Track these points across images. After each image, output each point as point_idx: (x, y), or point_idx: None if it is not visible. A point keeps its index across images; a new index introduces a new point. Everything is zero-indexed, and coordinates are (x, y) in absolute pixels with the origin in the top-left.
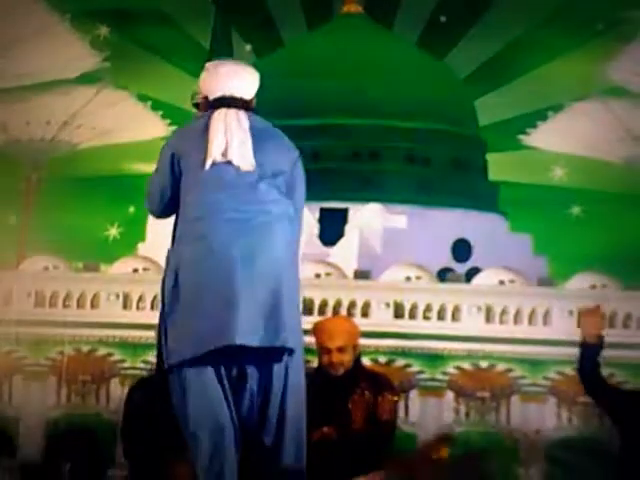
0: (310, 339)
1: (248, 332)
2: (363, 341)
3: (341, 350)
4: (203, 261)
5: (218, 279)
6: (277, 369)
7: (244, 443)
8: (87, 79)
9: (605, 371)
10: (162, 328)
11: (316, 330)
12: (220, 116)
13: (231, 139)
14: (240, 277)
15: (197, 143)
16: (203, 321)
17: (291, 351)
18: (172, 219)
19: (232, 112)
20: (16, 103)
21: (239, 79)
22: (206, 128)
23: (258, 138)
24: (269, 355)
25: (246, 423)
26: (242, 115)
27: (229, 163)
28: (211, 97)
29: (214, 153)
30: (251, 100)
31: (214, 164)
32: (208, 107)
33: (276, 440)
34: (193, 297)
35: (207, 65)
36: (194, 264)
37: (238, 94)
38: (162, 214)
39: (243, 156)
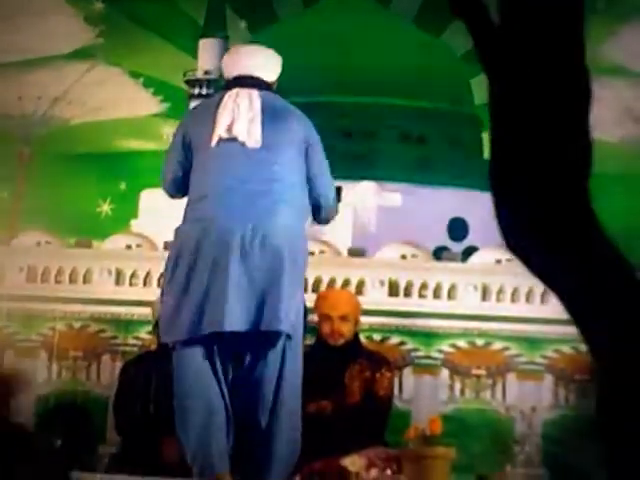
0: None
1: (238, 318)
2: None
3: (343, 319)
4: (202, 244)
5: (215, 264)
6: (273, 353)
7: (239, 426)
8: (80, 55)
9: None
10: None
11: (319, 299)
12: (231, 96)
13: (238, 116)
14: (237, 263)
15: (206, 122)
16: (196, 305)
17: (288, 336)
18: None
19: (245, 91)
20: (9, 78)
21: (257, 59)
22: (217, 107)
23: (271, 117)
24: (266, 339)
25: (240, 406)
26: (255, 95)
27: (235, 140)
28: (227, 76)
29: (219, 129)
30: (272, 83)
31: (220, 141)
32: (224, 86)
33: (270, 423)
34: (189, 278)
35: (231, 48)
36: (193, 246)
37: (255, 73)
38: (175, 194)
39: (249, 132)
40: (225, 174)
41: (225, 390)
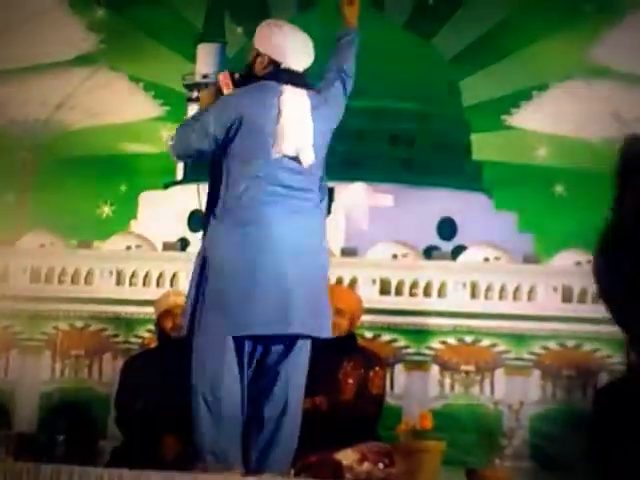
0: None
1: (299, 322)
2: None
3: (339, 312)
4: (255, 248)
5: (271, 269)
6: (300, 352)
7: (250, 418)
8: (82, 61)
9: (590, 346)
10: (199, 297)
11: None
12: (291, 103)
13: (302, 134)
14: (292, 269)
15: (265, 121)
16: (258, 306)
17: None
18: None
19: (299, 97)
20: (13, 84)
21: (305, 49)
22: (278, 110)
23: (314, 121)
24: (299, 339)
25: (254, 399)
26: (306, 99)
27: (294, 158)
28: (282, 65)
29: (285, 148)
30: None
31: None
32: (274, 74)
33: (279, 417)
34: (245, 280)
35: (271, 24)
36: (244, 248)
37: (303, 67)
38: (183, 159)
39: (307, 152)
40: (277, 187)
41: (245, 382)
